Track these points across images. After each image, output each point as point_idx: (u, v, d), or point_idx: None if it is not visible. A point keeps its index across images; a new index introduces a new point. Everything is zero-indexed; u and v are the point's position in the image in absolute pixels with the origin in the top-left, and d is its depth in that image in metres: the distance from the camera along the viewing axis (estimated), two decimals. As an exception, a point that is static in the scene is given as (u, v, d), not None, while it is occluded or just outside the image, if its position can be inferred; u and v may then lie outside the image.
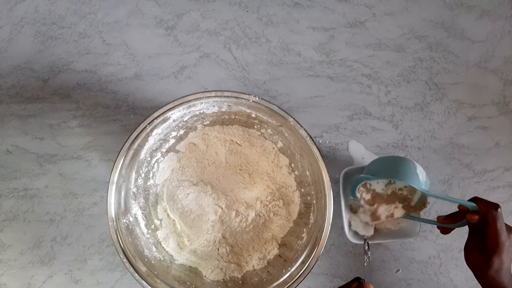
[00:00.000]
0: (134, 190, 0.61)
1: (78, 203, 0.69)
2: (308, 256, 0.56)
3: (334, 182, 0.68)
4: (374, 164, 0.63)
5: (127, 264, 0.53)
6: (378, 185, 0.63)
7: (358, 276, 0.59)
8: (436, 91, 0.74)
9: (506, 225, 0.52)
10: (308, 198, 0.63)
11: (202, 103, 0.56)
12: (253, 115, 0.61)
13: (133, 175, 0.60)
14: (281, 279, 0.57)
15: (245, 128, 0.66)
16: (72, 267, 0.68)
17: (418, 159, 0.73)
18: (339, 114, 0.73)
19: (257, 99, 0.55)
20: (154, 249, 0.61)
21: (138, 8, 0.73)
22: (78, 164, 0.70)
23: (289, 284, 0.55)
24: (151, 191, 0.65)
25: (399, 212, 0.63)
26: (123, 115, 0.71)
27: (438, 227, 0.60)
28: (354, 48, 0.74)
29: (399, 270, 0.71)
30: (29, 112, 0.70)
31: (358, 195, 0.62)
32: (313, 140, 0.55)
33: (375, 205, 0.63)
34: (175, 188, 0.65)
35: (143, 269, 0.55)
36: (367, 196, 0.63)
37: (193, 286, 0.59)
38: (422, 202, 0.62)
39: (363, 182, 0.61)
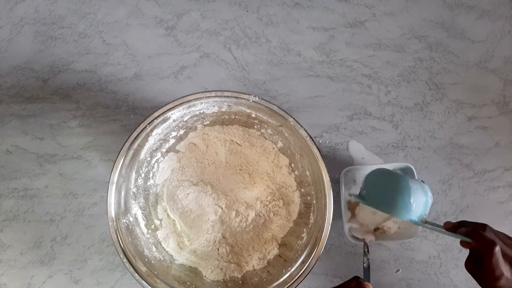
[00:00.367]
0: (134, 190, 0.61)
1: (78, 203, 0.69)
2: (308, 256, 0.56)
3: (334, 182, 0.68)
4: (369, 182, 0.60)
5: (127, 264, 0.53)
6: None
7: (357, 275, 0.58)
8: (436, 91, 0.74)
9: (506, 255, 0.50)
10: (308, 198, 0.63)
11: (202, 103, 0.56)
12: (253, 115, 0.61)
13: (133, 175, 0.60)
14: (281, 279, 0.57)
15: (245, 128, 0.66)
16: (72, 267, 0.68)
17: (418, 159, 0.73)
18: (339, 114, 0.73)
19: (257, 99, 0.55)
20: (154, 249, 0.61)
21: (138, 8, 0.73)
22: (78, 164, 0.70)
23: (289, 284, 0.55)
24: (151, 191, 0.65)
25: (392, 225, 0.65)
26: (123, 115, 0.71)
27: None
28: (354, 48, 0.74)
29: (399, 270, 0.71)
30: (29, 112, 0.70)
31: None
32: (313, 140, 0.55)
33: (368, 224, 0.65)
34: (175, 188, 0.65)
35: (143, 269, 0.55)
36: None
37: (193, 286, 0.59)
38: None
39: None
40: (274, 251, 0.64)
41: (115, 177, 0.54)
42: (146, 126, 0.54)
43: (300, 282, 0.54)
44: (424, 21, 0.75)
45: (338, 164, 0.71)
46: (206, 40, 0.73)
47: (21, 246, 0.68)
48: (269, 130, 0.65)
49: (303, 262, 0.56)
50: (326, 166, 0.55)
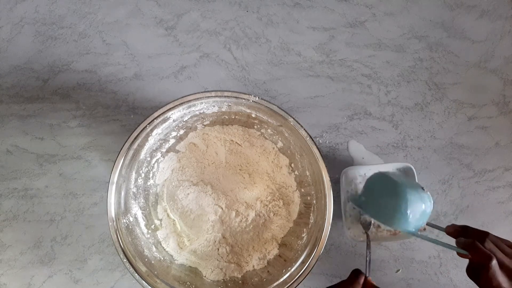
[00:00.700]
0: (134, 190, 0.61)
1: (78, 203, 0.69)
2: (308, 256, 0.56)
3: (334, 182, 0.68)
4: (368, 189, 0.61)
5: (127, 264, 0.53)
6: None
7: (357, 268, 0.56)
8: (436, 91, 0.74)
9: (505, 266, 0.50)
10: (308, 198, 0.63)
11: (202, 103, 0.56)
12: (253, 115, 0.61)
13: (133, 175, 0.60)
14: (281, 279, 0.57)
15: (245, 128, 0.66)
16: (72, 267, 0.68)
17: (418, 159, 0.73)
18: (339, 114, 0.73)
19: (257, 99, 0.55)
20: (154, 249, 0.61)
21: (138, 8, 0.73)
22: (78, 164, 0.70)
23: (289, 284, 0.55)
24: (151, 191, 0.65)
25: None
26: (123, 115, 0.71)
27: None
28: (354, 48, 0.74)
29: (399, 270, 0.71)
30: (29, 112, 0.70)
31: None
32: (313, 140, 0.55)
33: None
34: (175, 188, 0.65)
35: (143, 269, 0.55)
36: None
37: (193, 286, 0.59)
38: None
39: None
40: (274, 251, 0.64)
41: (115, 177, 0.54)
42: (146, 126, 0.54)
43: (300, 282, 0.54)
44: (424, 21, 0.75)
45: (338, 164, 0.71)
46: (206, 40, 0.73)
47: (21, 246, 0.68)
48: (269, 130, 0.65)
49: (303, 262, 0.56)
50: (326, 166, 0.55)
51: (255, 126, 0.65)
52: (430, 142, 0.73)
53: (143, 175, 0.62)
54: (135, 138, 0.54)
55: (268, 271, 0.62)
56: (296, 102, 0.73)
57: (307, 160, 0.60)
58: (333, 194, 0.55)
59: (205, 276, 0.62)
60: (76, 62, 0.71)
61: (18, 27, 0.71)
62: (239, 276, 0.63)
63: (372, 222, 0.67)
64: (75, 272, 0.68)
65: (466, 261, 0.54)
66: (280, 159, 0.66)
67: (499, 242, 0.52)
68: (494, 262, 0.49)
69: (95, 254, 0.68)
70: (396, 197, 0.54)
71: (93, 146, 0.70)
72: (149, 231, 0.63)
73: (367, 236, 0.63)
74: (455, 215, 0.72)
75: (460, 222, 0.70)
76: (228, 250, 0.64)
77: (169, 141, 0.64)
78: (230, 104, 0.59)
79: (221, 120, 0.65)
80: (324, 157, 0.57)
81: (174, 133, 0.63)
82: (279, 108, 0.55)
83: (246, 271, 0.63)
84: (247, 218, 0.65)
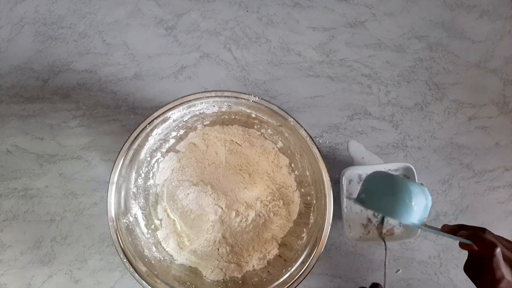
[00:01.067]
0: (134, 190, 0.61)
1: (78, 203, 0.69)
2: (308, 256, 0.56)
3: (334, 182, 0.68)
4: (369, 185, 0.60)
5: (127, 264, 0.53)
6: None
7: (376, 282, 0.56)
8: (436, 91, 0.74)
9: (507, 258, 0.50)
10: (308, 198, 0.63)
11: (202, 103, 0.56)
12: (253, 115, 0.61)
13: (133, 175, 0.60)
14: (281, 279, 0.57)
15: (245, 128, 0.66)
16: (72, 267, 0.68)
17: (418, 159, 0.73)
18: (339, 114, 0.73)
19: (257, 99, 0.55)
20: (154, 249, 0.61)
21: (138, 8, 0.73)
22: (78, 164, 0.70)
23: (289, 284, 0.55)
24: (151, 191, 0.65)
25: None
26: (123, 115, 0.71)
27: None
28: (354, 48, 0.74)
29: (399, 270, 0.71)
30: (29, 112, 0.70)
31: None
32: (313, 140, 0.55)
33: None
34: (175, 188, 0.65)
35: (143, 269, 0.55)
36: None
37: (193, 286, 0.59)
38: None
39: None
40: (274, 251, 0.64)
41: (115, 177, 0.54)
42: (146, 126, 0.54)
43: (300, 282, 0.54)
44: (424, 21, 0.75)
45: (338, 164, 0.71)
46: (206, 40, 0.73)
47: (21, 246, 0.68)
48: (269, 130, 0.65)
49: (303, 262, 0.56)
50: (326, 166, 0.55)
51: (255, 126, 0.65)
52: (430, 142, 0.73)
53: (143, 175, 0.62)
54: (135, 138, 0.54)
55: (268, 271, 0.62)
56: (296, 102, 0.73)
57: (307, 160, 0.60)
58: (333, 194, 0.55)
59: (205, 276, 0.62)
60: (76, 62, 0.71)
61: (18, 27, 0.71)
62: (239, 276, 0.63)
63: (374, 223, 0.67)
64: (75, 272, 0.68)
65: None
66: (280, 159, 0.66)
67: (496, 236, 0.52)
68: (499, 250, 0.48)
69: (95, 254, 0.68)
70: (399, 190, 0.54)
71: (93, 146, 0.70)
72: (149, 231, 0.63)
73: (385, 244, 0.60)
74: (455, 215, 0.72)
75: (460, 222, 0.70)
76: (228, 250, 0.64)
77: (169, 141, 0.64)
78: (230, 104, 0.59)
79: (221, 120, 0.65)
80: (324, 157, 0.57)
81: (174, 133, 0.63)
82: (279, 108, 0.55)
83: (246, 271, 0.63)
84: (247, 218, 0.65)
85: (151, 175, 0.64)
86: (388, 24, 0.75)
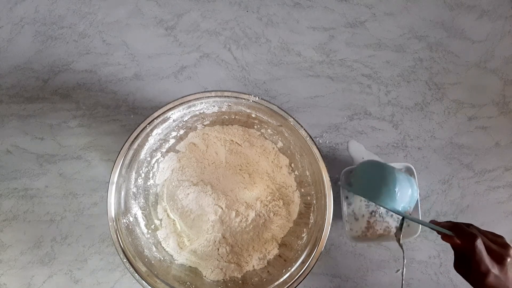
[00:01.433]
0: (134, 190, 0.61)
1: (78, 203, 0.69)
2: (308, 256, 0.56)
3: (334, 182, 0.68)
4: (358, 172, 0.62)
5: (127, 264, 0.53)
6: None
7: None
8: (436, 91, 0.74)
9: (492, 251, 0.49)
10: (308, 198, 0.63)
11: (202, 103, 0.56)
12: (253, 115, 0.61)
13: (133, 175, 0.60)
14: (281, 279, 0.57)
15: (245, 128, 0.66)
16: (72, 267, 0.68)
17: (418, 159, 0.73)
18: (339, 114, 0.73)
19: (257, 99, 0.55)
20: (154, 249, 0.61)
21: (138, 8, 0.73)
22: (78, 164, 0.70)
23: (289, 284, 0.55)
24: (151, 191, 0.65)
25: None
26: (123, 115, 0.71)
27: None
28: (354, 48, 0.74)
29: (399, 270, 0.71)
30: (29, 112, 0.70)
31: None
32: (313, 140, 0.55)
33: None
34: (175, 188, 0.65)
35: (143, 269, 0.55)
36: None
37: (193, 286, 0.59)
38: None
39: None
40: (274, 251, 0.64)
41: (115, 177, 0.54)
42: (146, 126, 0.54)
43: (300, 282, 0.54)
44: (424, 21, 0.75)
45: (338, 164, 0.71)
46: (206, 40, 0.73)
47: (21, 246, 0.68)
48: (269, 130, 0.65)
49: (303, 262, 0.56)
50: (326, 166, 0.55)
51: (255, 126, 0.65)
52: (430, 142, 0.73)
53: (143, 175, 0.62)
54: (135, 138, 0.54)
55: (268, 271, 0.62)
56: (296, 102, 0.73)
57: (307, 160, 0.60)
58: (333, 194, 0.55)
59: (205, 276, 0.62)
60: (76, 62, 0.71)
61: (18, 27, 0.71)
62: (239, 276, 0.63)
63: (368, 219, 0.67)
64: (75, 272, 0.68)
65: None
66: (280, 159, 0.66)
67: (482, 230, 0.52)
68: (479, 241, 0.48)
69: (95, 254, 0.68)
70: (384, 176, 0.56)
71: (93, 146, 0.70)
72: (149, 231, 0.63)
73: (402, 251, 0.58)
74: (455, 215, 0.72)
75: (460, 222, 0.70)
76: (228, 250, 0.64)
77: (169, 141, 0.64)
78: (230, 104, 0.59)
79: (221, 120, 0.65)
80: (324, 157, 0.57)
81: (174, 133, 0.63)
82: (279, 108, 0.55)
83: (246, 271, 0.63)
84: (247, 218, 0.65)
85: (151, 175, 0.64)
86: (388, 24, 0.75)
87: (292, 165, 0.66)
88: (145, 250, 0.59)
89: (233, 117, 0.64)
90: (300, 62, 0.73)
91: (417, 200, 0.64)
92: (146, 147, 0.59)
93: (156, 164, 0.64)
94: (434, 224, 0.54)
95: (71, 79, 0.71)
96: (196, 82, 0.72)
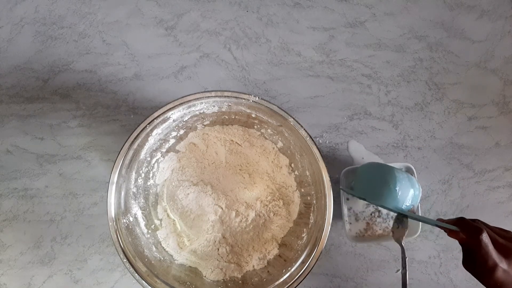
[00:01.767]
0: (134, 190, 0.61)
1: (78, 203, 0.69)
2: (308, 256, 0.56)
3: (334, 182, 0.68)
4: (359, 175, 0.62)
5: (127, 264, 0.53)
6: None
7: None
8: (436, 91, 0.74)
9: (500, 245, 0.48)
10: (308, 198, 0.63)
11: (202, 103, 0.56)
12: (253, 115, 0.61)
13: (133, 175, 0.60)
14: (281, 279, 0.57)
15: (245, 128, 0.66)
16: (72, 267, 0.68)
17: (418, 159, 0.73)
18: (339, 114, 0.73)
19: (257, 99, 0.55)
20: (154, 249, 0.61)
21: (138, 8, 0.73)
22: (78, 164, 0.70)
23: (289, 284, 0.55)
24: (151, 191, 0.65)
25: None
26: (123, 115, 0.71)
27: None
28: (354, 48, 0.74)
29: (399, 270, 0.71)
30: (29, 112, 0.70)
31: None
32: (313, 140, 0.55)
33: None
34: (175, 188, 0.65)
35: (143, 269, 0.55)
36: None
37: (193, 286, 0.59)
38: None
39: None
40: (274, 251, 0.64)
41: (115, 177, 0.54)
42: (146, 126, 0.54)
43: (300, 282, 0.54)
44: (424, 21, 0.75)
45: (338, 164, 0.71)
46: (206, 40, 0.73)
47: (21, 246, 0.68)
48: (269, 130, 0.65)
49: (303, 262, 0.56)
50: (326, 166, 0.55)
51: (255, 126, 0.65)
52: (430, 142, 0.73)
53: (143, 175, 0.62)
54: (135, 138, 0.54)
55: (268, 271, 0.62)
56: (296, 102, 0.73)
57: (307, 160, 0.60)
58: (333, 194, 0.55)
59: (205, 276, 0.62)
60: (76, 62, 0.71)
61: (18, 27, 0.71)
62: (239, 276, 0.63)
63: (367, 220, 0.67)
64: (75, 272, 0.68)
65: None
66: (280, 159, 0.66)
67: (489, 226, 0.51)
68: (485, 235, 0.46)
69: (95, 254, 0.68)
70: (384, 176, 0.57)
71: (93, 146, 0.70)
72: (149, 231, 0.63)
73: (402, 250, 0.58)
74: (455, 215, 0.72)
75: (460, 222, 0.70)
76: (228, 250, 0.64)
77: (169, 141, 0.64)
78: (230, 104, 0.59)
79: (221, 120, 0.65)
80: (324, 157, 0.57)
81: (174, 133, 0.63)
82: (279, 108, 0.55)
83: (246, 271, 0.63)
84: (247, 218, 0.65)
85: (151, 175, 0.64)
86: (388, 24, 0.74)
87: (292, 165, 0.66)
88: (145, 250, 0.59)
89: (233, 117, 0.64)
90: (300, 62, 0.73)
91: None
92: (146, 147, 0.59)
93: (156, 164, 0.64)
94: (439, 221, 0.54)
95: (71, 79, 0.71)
96: (196, 82, 0.72)
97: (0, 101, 0.70)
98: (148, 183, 0.64)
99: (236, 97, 0.55)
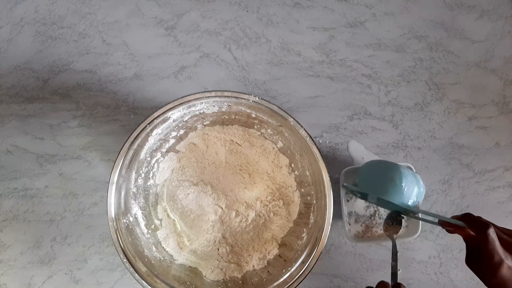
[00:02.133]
0: (134, 190, 0.61)
1: (78, 203, 0.69)
2: (308, 256, 0.56)
3: (334, 182, 0.68)
4: (363, 172, 0.62)
5: (127, 264, 0.53)
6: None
7: (383, 280, 0.54)
8: (436, 91, 0.74)
9: (506, 242, 0.47)
10: (308, 198, 0.63)
11: (202, 103, 0.56)
12: (253, 115, 0.61)
13: (133, 175, 0.60)
14: (281, 279, 0.57)
15: (245, 128, 0.66)
16: (72, 267, 0.68)
17: (418, 159, 0.73)
18: (339, 114, 0.73)
19: (257, 99, 0.55)
20: (154, 249, 0.61)
21: (138, 8, 0.73)
22: (78, 164, 0.70)
23: (289, 284, 0.55)
24: (151, 191, 0.65)
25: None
26: (123, 115, 0.71)
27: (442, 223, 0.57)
28: (354, 48, 0.74)
29: (399, 270, 0.71)
30: (29, 112, 0.70)
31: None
32: (313, 140, 0.55)
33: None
34: (175, 188, 0.65)
35: (143, 269, 0.55)
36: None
37: (193, 286, 0.59)
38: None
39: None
40: (274, 251, 0.64)
41: (115, 177, 0.54)
42: (146, 126, 0.54)
43: (300, 282, 0.54)
44: (424, 21, 0.75)
45: (338, 164, 0.71)
46: (206, 40, 0.73)
47: (21, 246, 0.68)
48: (269, 130, 0.65)
49: (303, 262, 0.56)
50: (326, 166, 0.55)
51: (255, 126, 0.65)
52: (430, 142, 0.73)
53: (143, 175, 0.62)
54: (135, 138, 0.54)
55: (268, 271, 0.62)
56: (296, 102, 0.73)
57: (307, 160, 0.60)
58: (333, 194, 0.55)
59: (205, 276, 0.62)
60: (76, 62, 0.71)
61: (18, 27, 0.71)
62: (239, 276, 0.63)
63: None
64: (75, 272, 0.68)
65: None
66: (280, 159, 0.66)
67: (498, 227, 0.50)
68: (492, 230, 0.46)
69: (95, 254, 0.68)
70: (390, 172, 0.57)
71: (93, 146, 0.70)
72: (149, 231, 0.63)
73: (393, 244, 0.60)
74: (455, 215, 0.72)
75: (460, 222, 0.70)
76: (228, 250, 0.64)
77: (169, 141, 0.64)
78: (230, 104, 0.59)
79: (221, 120, 0.65)
80: (324, 157, 0.57)
81: (174, 133, 0.63)
82: (279, 108, 0.55)
83: (246, 271, 0.63)
84: (247, 218, 0.65)
85: (151, 175, 0.64)
86: (388, 24, 0.74)
87: (292, 165, 0.66)
88: (145, 250, 0.59)
89: (233, 117, 0.64)
90: (300, 62, 0.73)
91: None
92: (146, 147, 0.59)
93: (156, 164, 0.64)
94: (444, 223, 0.54)
95: (71, 79, 0.71)
96: (196, 82, 0.72)
97: (0, 101, 0.70)
98: (148, 183, 0.64)
99: (236, 97, 0.55)
